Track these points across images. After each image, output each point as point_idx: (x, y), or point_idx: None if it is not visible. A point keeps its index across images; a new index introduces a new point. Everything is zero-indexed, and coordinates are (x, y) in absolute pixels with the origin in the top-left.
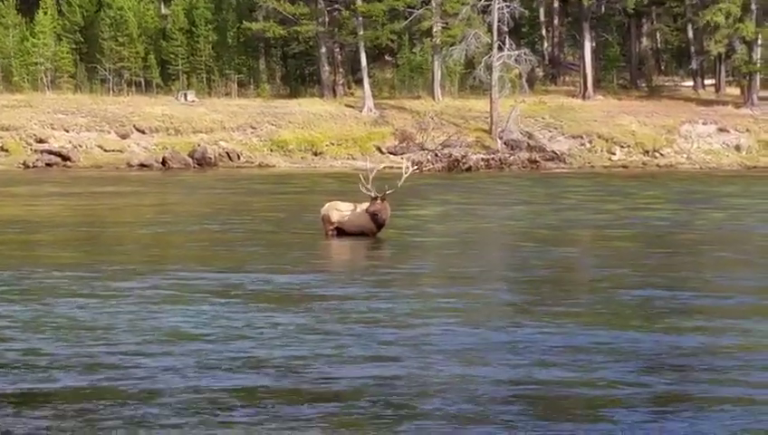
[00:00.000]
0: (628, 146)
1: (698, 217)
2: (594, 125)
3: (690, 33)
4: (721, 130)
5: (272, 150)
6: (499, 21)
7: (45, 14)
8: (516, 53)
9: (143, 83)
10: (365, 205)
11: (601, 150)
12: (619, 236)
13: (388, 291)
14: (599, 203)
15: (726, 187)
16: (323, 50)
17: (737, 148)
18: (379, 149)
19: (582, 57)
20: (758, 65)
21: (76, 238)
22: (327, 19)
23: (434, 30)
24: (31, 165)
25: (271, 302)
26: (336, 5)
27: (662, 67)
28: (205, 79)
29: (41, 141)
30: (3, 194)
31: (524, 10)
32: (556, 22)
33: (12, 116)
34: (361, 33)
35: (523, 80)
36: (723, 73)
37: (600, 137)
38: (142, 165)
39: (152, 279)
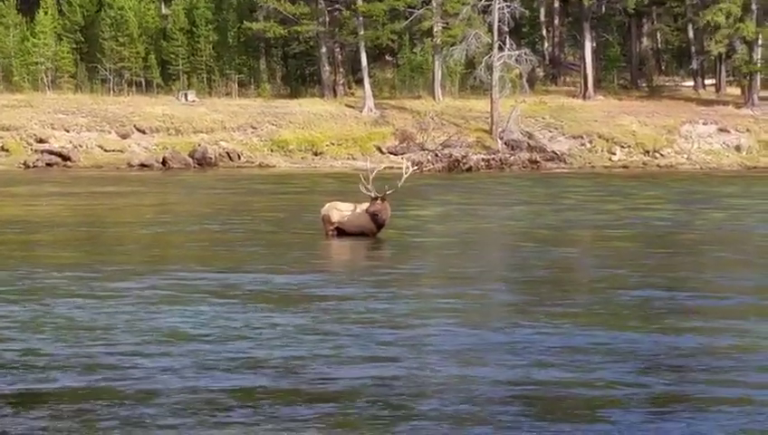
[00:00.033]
0: (629, 146)
1: (698, 218)
2: (594, 125)
3: (691, 33)
4: (721, 130)
5: (272, 150)
6: (499, 21)
7: (46, 13)
8: (517, 53)
9: (144, 83)
10: (365, 205)
11: (602, 151)
12: (619, 237)
13: (388, 291)
14: (599, 203)
15: (727, 187)
16: (324, 50)
17: (738, 148)
18: (380, 150)
19: (583, 57)
20: (758, 65)
21: (76, 238)
22: (327, 19)
23: (434, 30)
24: (31, 165)
25: (270, 302)
26: (336, 5)
27: (662, 67)
28: (205, 79)
29: (41, 141)
30: (3, 194)
31: (525, 10)
32: (557, 22)
33: (12, 116)
34: (362, 32)
35: (524, 80)
36: (723, 73)
37: (600, 137)
38: (143, 165)
39: (151, 279)
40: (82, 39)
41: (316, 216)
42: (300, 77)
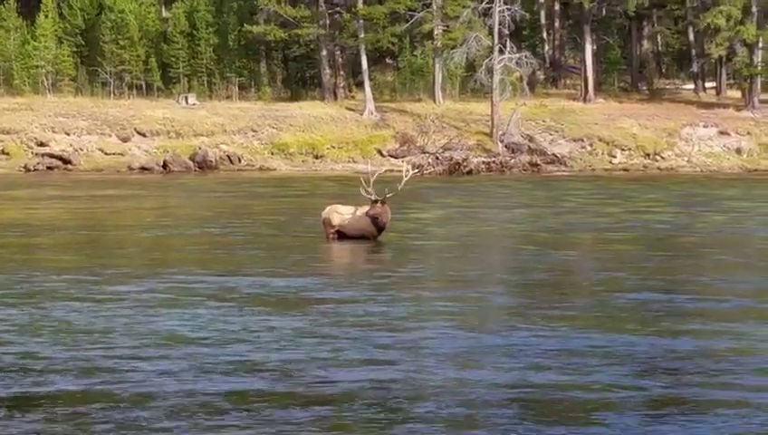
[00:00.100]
0: (629, 149)
1: (699, 220)
2: (595, 128)
3: (691, 36)
4: (722, 133)
5: (272, 154)
6: (500, 24)
7: (46, 17)
8: (517, 56)
9: (144, 86)
10: (366, 208)
11: (602, 153)
12: (620, 240)
13: (387, 294)
14: (599, 206)
15: (727, 190)
16: (324, 53)
17: (738, 151)
18: (380, 153)
19: (583, 60)
20: (759, 68)
21: (76, 242)
22: (328, 22)
23: (435, 33)
24: (32, 168)
25: (268, 305)
26: (337, 8)
27: (663, 70)
28: (206, 82)
29: (42, 145)
30: (3, 197)
31: (525, 13)
32: (557, 25)
33: (13, 119)
34: (362, 36)
35: (524, 83)
36: (723, 76)
37: (600, 140)
38: (143, 168)
39: (151, 283)
40: (83, 42)
41: (317, 219)
42: (300, 80)
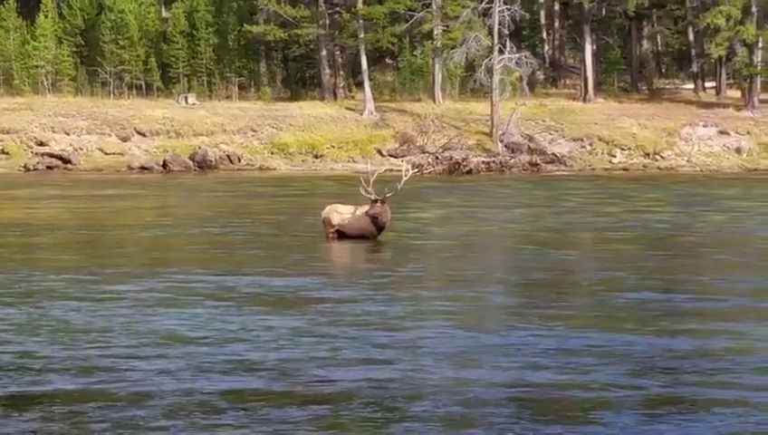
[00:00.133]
0: (629, 149)
1: (699, 220)
2: (595, 128)
3: (691, 36)
4: (721, 132)
5: (272, 153)
6: (500, 24)
7: (46, 17)
8: (517, 55)
9: (144, 86)
10: (365, 208)
11: (602, 153)
12: (619, 239)
13: (385, 294)
14: (599, 206)
15: (727, 189)
16: (324, 53)
17: (738, 150)
18: (380, 152)
19: (583, 60)
20: (759, 68)
21: (76, 241)
22: (328, 22)
23: (434, 33)
24: (32, 168)
25: (267, 305)
26: (337, 8)
27: (663, 70)
28: (205, 82)
29: (41, 144)
30: (3, 197)
31: (525, 13)
32: (557, 25)
33: (12, 119)
34: (362, 35)
35: (524, 83)
36: (723, 76)
37: (600, 139)
38: (143, 168)
39: (150, 282)
40: (83, 42)
41: (316, 218)
42: (300, 80)
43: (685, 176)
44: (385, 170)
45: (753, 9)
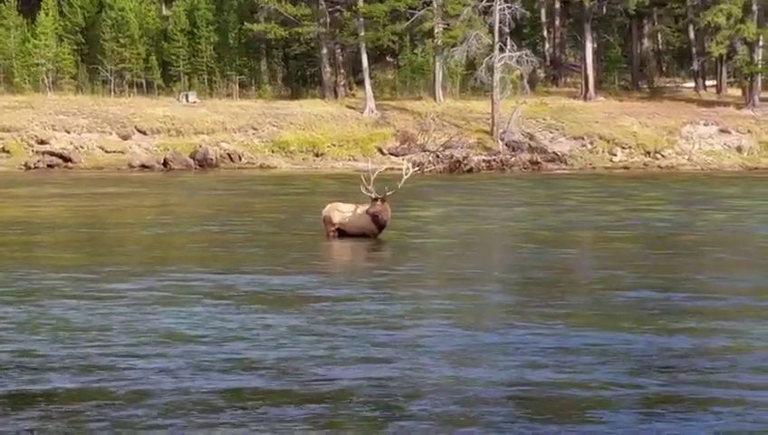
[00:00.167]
0: (630, 147)
1: (699, 219)
2: (595, 126)
3: (691, 35)
4: (722, 131)
5: (273, 152)
6: (500, 22)
7: (47, 15)
8: (518, 54)
9: (144, 84)
10: (366, 206)
11: (603, 152)
12: (620, 238)
13: (385, 292)
14: (600, 204)
15: (727, 188)
16: (325, 51)
17: (738, 149)
18: (381, 151)
19: (584, 58)
20: (759, 66)
21: (76, 240)
22: (328, 20)
23: (435, 31)
24: (32, 166)
25: (266, 303)
26: (337, 7)
27: (663, 68)
28: (206, 80)
29: (42, 143)
30: (4, 195)
31: (526, 11)
32: (557, 23)
33: (13, 117)
34: (363, 34)
35: (525, 81)
36: (724, 75)
37: (601, 138)
38: (143, 166)
39: (149, 281)
40: (83, 40)
41: (317, 217)
42: (301, 78)
43: (685, 174)
44: (386, 169)
45: (754, 7)
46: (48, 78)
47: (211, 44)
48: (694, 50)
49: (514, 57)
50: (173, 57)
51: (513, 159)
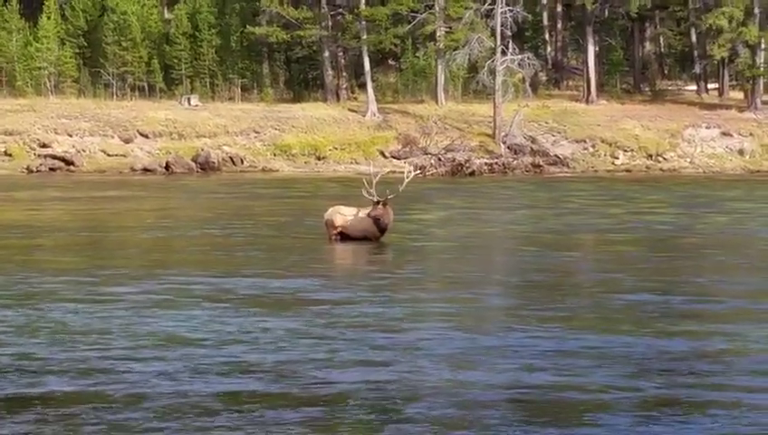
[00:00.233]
0: (632, 150)
1: (701, 222)
2: (597, 129)
3: (693, 38)
4: (724, 134)
5: (275, 155)
6: (502, 25)
7: (49, 18)
8: (519, 57)
9: (146, 88)
10: (368, 209)
11: (605, 155)
12: (622, 241)
13: (385, 295)
14: (602, 207)
15: (730, 191)
16: (327, 54)
17: (740, 152)
18: (383, 154)
19: (586, 61)
20: (761, 69)
21: (77, 243)
22: (330, 23)
23: (437, 34)
24: (34, 169)
25: (265, 306)
26: (339, 10)
27: (665, 71)
28: (208, 83)
29: (44, 146)
30: (5, 199)
31: (528, 14)
32: (559, 26)
33: (15, 120)
34: (365, 37)
35: (527, 84)
36: (726, 77)
37: (603, 141)
38: (146, 169)
39: (149, 284)
40: (85, 43)
41: (319, 220)
42: (303, 81)
43: (687, 177)
44: (388, 172)
45: (756, 10)
46: (50, 81)
47: (213, 48)
48: (696, 53)
49: (516, 60)
50: (175, 60)
51: (515, 162)
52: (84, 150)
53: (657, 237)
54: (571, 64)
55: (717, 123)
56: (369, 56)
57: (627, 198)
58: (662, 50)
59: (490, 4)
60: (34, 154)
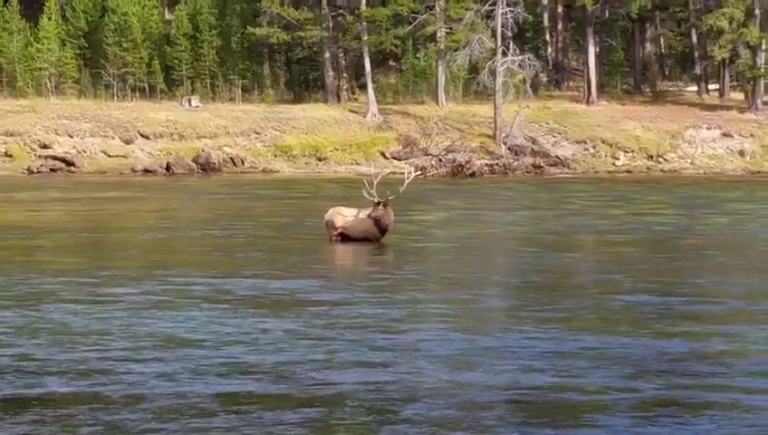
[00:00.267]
0: (632, 151)
1: (702, 223)
2: (598, 130)
3: (694, 38)
4: (725, 135)
5: (276, 156)
6: (503, 26)
7: (49, 19)
8: (520, 58)
9: (147, 89)
10: (369, 210)
11: (605, 156)
12: (622, 242)
13: (384, 296)
14: (602, 208)
15: (730, 192)
16: (327, 55)
17: (741, 153)
18: (383, 155)
19: (586, 62)
20: (762, 70)
21: (77, 244)
22: (331, 24)
23: (438, 35)
24: (35, 170)
25: (264, 307)
26: (340, 11)
27: (666, 72)
28: (209, 84)
29: (45, 147)
30: (5, 200)
31: (528, 15)
32: (560, 27)
33: (16, 121)
34: (365, 38)
35: (527, 85)
36: (727, 78)
37: (603, 142)
38: (146, 170)
39: (149, 285)
40: (86, 44)
41: (319, 221)
42: (303, 82)
43: (688, 178)
44: (388, 173)
45: (757, 11)
46: (51, 82)
47: (214, 48)
48: (696, 54)
49: (517, 61)
50: (176, 61)
51: (515, 163)
52: (85, 151)
53: (657, 238)
54: (572, 65)
55: (718, 124)
56: (370, 57)
57: (627, 198)
58: (663, 51)
59: (491, 5)
60: (35, 155)
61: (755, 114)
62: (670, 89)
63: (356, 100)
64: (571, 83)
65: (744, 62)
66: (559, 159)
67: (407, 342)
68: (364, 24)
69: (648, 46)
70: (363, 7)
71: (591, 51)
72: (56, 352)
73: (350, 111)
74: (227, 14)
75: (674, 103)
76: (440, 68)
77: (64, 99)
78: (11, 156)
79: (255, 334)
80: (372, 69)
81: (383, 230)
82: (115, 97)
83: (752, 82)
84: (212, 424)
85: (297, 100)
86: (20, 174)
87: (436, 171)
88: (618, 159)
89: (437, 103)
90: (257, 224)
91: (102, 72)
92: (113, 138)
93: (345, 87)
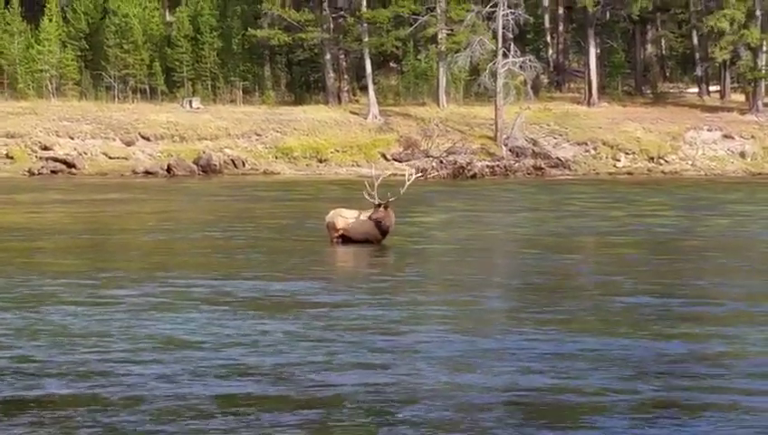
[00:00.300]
0: (633, 153)
1: (702, 224)
2: (599, 132)
3: (695, 40)
4: (726, 136)
5: (277, 158)
6: (504, 28)
7: (50, 21)
8: (521, 59)
9: (148, 90)
10: (370, 212)
11: (606, 157)
12: (623, 243)
13: (384, 298)
14: (603, 210)
15: (731, 193)
16: (328, 57)
17: (742, 154)
18: (384, 156)
19: (587, 64)
20: (763, 72)
21: (77, 246)
22: (332, 26)
23: (439, 37)
24: (36, 172)
25: (264, 309)
26: (341, 12)
27: (667, 74)
28: (210, 86)
29: (46, 149)
30: (6, 201)
31: (529, 17)
32: (561, 28)
33: (17, 123)
34: (366, 39)
35: (528, 87)
36: (728, 80)
37: (604, 144)
38: (147, 172)
39: (149, 287)
40: (87, 46)
41: (320, 223)
42: (304, 84)
43: (689, 180)
44: (389, 175)
45: (758, 13)
46: (52, 84)
47: (215, 50)
48: (697, 55)
49: (518, 63)
50: (176, 63)
51: (516, 164)
52: (86, 153)
53: (657, 240)
54: (573, 67)
55: (719, 126)
56: (371, 59)
57: (628, 200)
58: (663, 52)
59: (492, 7)
60: (36, 157)
61: (756, 116)
62: (671, 90)
63: (357, 101)
64: (571, 85)
65: (744, 63)
66: (560, 160)
67: (406, 343)
68: (365, 25)
69: (649, 48)
70: (364, 9)
71: (592, 52)
72: (56, 354)
73: (351, 112)
74: (228, 16)
75: (675, 105)
76: (441, 70)
77: (65, 101)
78: (12, 158)
79: (255, 336)
80: (373, 70)
81: (384, 232)
82: (116, 99)
83: (753, 84)
84: (210, 426)
85: (298, 101)
86: (21, 176)
87: (436, 173)
88: (618, 160)
89: (438, 105)
90: (258, 226)
91: (103, 73)
92: (114, 139)
93: (346, 89)
